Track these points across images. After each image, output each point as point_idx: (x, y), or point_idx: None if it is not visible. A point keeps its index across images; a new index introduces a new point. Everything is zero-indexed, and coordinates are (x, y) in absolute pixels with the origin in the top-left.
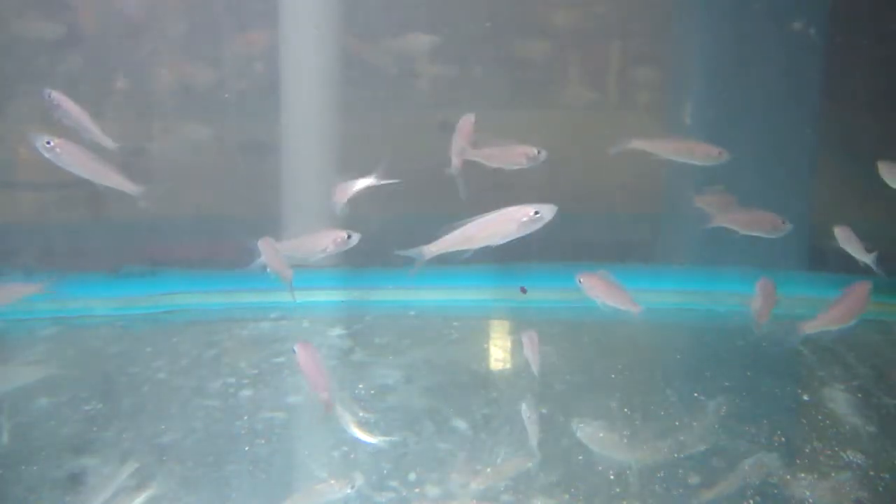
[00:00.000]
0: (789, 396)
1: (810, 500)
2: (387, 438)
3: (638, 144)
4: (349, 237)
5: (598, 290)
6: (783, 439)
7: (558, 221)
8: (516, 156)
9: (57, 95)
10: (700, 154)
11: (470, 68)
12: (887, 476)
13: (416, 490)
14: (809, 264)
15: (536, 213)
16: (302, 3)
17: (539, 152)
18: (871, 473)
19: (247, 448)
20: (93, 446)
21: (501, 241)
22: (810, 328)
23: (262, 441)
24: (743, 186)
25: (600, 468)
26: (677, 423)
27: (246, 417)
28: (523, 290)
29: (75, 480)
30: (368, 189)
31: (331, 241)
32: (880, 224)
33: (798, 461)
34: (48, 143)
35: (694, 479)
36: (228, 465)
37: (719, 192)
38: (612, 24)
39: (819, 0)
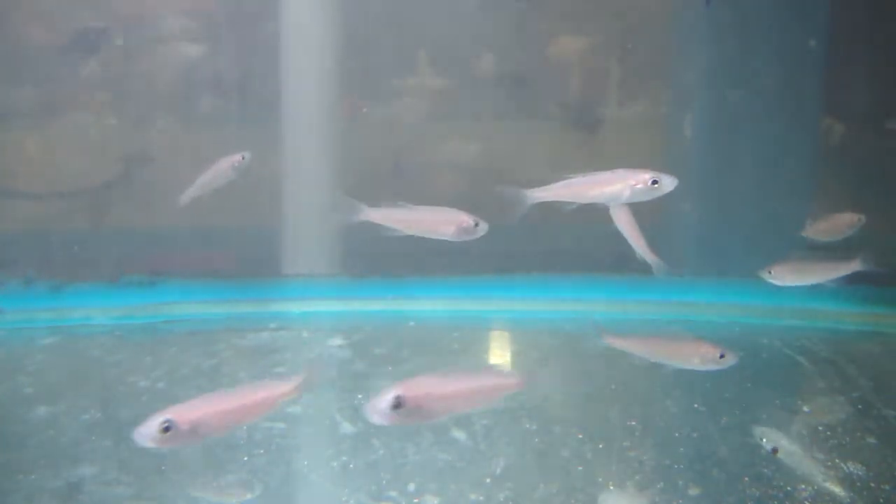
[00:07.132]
0: (789, 408)
1: None
2: None
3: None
4: None
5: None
6: (783, 450)
7: (557, 233)
8: (444, 224)
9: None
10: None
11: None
12: (888, 488)
13: (416, 501)
14: None
15: (654, 182)
16: None
17: (477, 224)
18: (872, 485)
19: (245, 458)
20: (91, 456)
21: (609, 202)
22: None
23: (261, 451)
24: (743, 199)
25: (600, 479)
26: (677, 435)
27: (244, 427)
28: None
29: (73, 490)
30: None
31: None
32: (880, 236)
33: (798, 472)
34: None
35: (694, 491)
36: (227, 475)
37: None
38: (611, 38)
39: (819, 12)
